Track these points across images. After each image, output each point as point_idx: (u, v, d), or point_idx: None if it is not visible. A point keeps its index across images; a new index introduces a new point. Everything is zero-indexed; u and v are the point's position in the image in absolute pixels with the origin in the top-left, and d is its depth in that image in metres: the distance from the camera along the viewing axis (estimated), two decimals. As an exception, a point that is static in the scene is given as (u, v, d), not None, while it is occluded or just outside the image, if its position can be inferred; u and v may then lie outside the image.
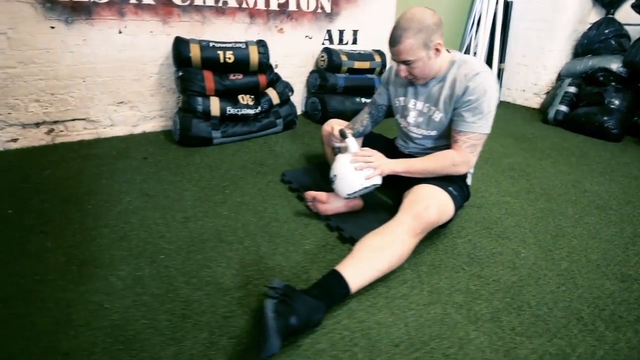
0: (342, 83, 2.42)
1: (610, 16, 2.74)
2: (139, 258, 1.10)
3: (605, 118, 2.41)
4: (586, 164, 2.03)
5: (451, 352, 0.84)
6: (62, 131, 1.93)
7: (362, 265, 0.96)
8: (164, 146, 1.97)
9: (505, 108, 3.24)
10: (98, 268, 1.05)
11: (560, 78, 3.01)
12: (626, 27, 2.69)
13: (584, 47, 2.86)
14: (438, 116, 1.23)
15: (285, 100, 2.23)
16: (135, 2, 1.84)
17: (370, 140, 1.56)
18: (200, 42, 1.92)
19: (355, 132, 1.45)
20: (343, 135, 1.26)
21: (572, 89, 2.72)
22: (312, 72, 2.53)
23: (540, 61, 3.07)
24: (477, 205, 1.51)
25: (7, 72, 1.70)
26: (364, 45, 2.72)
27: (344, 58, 2.40)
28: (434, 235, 1.24)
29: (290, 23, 2.34)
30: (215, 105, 1.95)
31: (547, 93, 3.09)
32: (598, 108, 2.49)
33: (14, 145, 1.85)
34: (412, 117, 1.32)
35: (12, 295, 0.94)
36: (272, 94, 2.15)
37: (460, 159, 1.18)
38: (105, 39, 1.84)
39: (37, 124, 1.86)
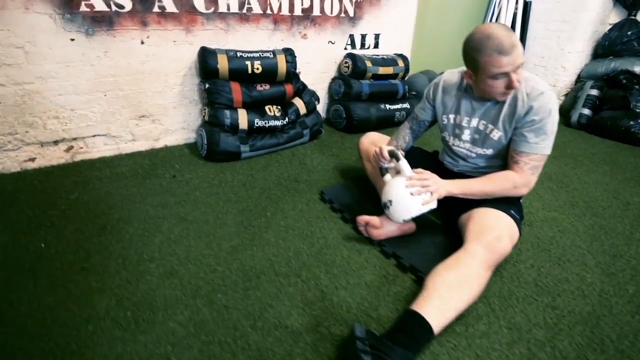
0: (367, 90, 2.35)
1: (633, 17, 2.71)
2: (195, 298, 1.03)
3: (631, 123, 2.39)
4: (620, 172, 2.00)
5: (548, 399, 0.80)
6: (81, 148, 1.83)
7: (442, 305, 0.90)
8: (190, 162, 1.88)
9: (523, 110, 3.20)
10: (153, 312, 0.98)
11: (580, 80, 2.97)
12: (649, 29, 2.66)
13: (605, 48, 2.82)
14: (497, 135, 1.17)
15: (311, 109, 2.15)
16: (159, 10, 1.74)
17: (411, 155, 1.50)
18: (227, 52, 1.82)
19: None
20: (395, 156, 1.19)
21: (595, 92, 2.69)
22: (335, 79, 2.45)
23: (559, 62, 3.03)
24: (527, 223, 1.47)
25: (24, 89, 1.60)
26: (386, 49, 2.64)
27: (368, 64, 2.32)
28: (495, 261, 1.20)
29: (313, 28, 2.25)
30: (243, 118, 1.86)
31: (566, 95, 3.06)
32: (623, 112, 2.47)
33: (31, 165, 1.74)
34: (466, 135, 1.26)
35: (67, 351, 0.87)
36: (299, 104, 2.08)
37: (522, 180, 1.13)
38: (128, 50, 1.74)
39: (56, 142, 1.76)
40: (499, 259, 1.02)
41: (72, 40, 1.61)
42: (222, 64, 1.79)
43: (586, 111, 2.66)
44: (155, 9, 1.73)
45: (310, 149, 2.12)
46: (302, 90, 2.12)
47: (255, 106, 1.93)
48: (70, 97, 1.70)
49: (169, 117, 2.00)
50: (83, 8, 1.58)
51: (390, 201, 1.14)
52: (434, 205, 1.12)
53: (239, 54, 1.83)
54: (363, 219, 1.27)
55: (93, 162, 1.84)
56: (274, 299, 1.04)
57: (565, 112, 2.90)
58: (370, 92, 2.36)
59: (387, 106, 2.43)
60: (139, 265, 1.15)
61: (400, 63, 2.49)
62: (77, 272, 1.11)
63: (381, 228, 1.27)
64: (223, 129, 1.84)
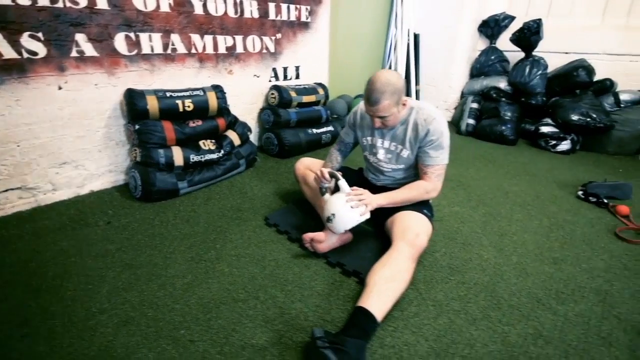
0: (295, 117, 2.56)
1: (493, 45, 3.46)
2: (157, 340, 1.05)
3: (502, 128, 3.04)
4: (499, 168, 2.53)
5: (466, 353, 1.04)
6: (-10, 205, 1.65)
7: (382, 297, 1.10)
8: (124, 205, 1.83)
9: (426, 123, 3.77)
10: (117, 361, 0.98)
11: (463, 95, 3.65)
12: (505, 53, 3.43)
13: (477, 70, 3.54)
14: (405, 153, 1.46)
15: (245, 140, 2.27)
16: (77, 55, 1.70)
17: (342, 174, 1.73)
18: (155, 92, 1.85)
19: (334, 170, 1.61)
20: (335, 177, 1.40)
21: (475, 105, 3.34)
22: (264, 109, 2.61)
23: (446, 82, 3.68)
24: (437, 219, 1.79)
25: None
26: (306, 79, 2.91)
27: (293, 94, 2.54)
28: (418, 254, 1.46)
29: (238, 64, 2.39)
30: (178, 155, 1.89)
31: (455, 108, 3.71)
32: (496, 120, 3.12)
33: None
34: (381, 154, 1.53)
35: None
36: (233, 136, 2.18)
37: (431, 186, 1.43)
38: (43, 97, 1.65)
39: (-44, 202, 1.56)
40: (420, 252, 1.28)
41: (-25, 91, 1.49)
42: (152, 104, 1.81)
43: (471, 121, 3.29)
44: (74, 54, 1.69)
45: (248, 177, 2.23)
46: (234, 122, 2.23)
47: (189, 142, 1.98)
48: (-26, 151, 1.55)
49: (93, 161, 1.91)
50: (-13, 57, 1.48)
51: (333, 214, 1.34)
52: (368, 215, 1.35)
53: (168, 94, 1.88)
54: (308, 236, 1.43)
55: (8, 219, 1.66)
56: (237, 324, 1.12)
57: (456, 122, 3.52)
58: (298, 119, 2.58)
59: (314, 130, 2.68)
60: (89, 320, 1.12)
61: (321, 91, 2.77)
62: (18, 339, 1.04)
63: (325, 242, 1.45)
64: (158, 168, 1.85)
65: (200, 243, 1.54)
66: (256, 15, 2.36)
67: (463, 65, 3.60)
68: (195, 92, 1.97)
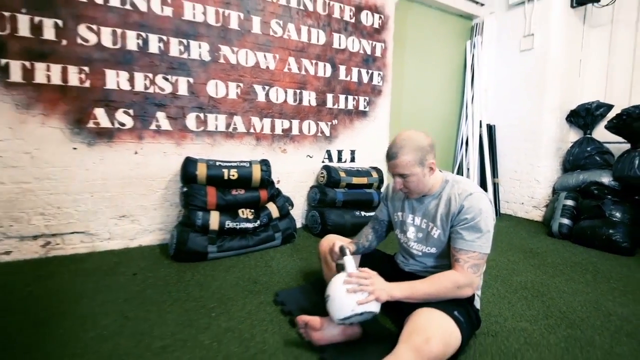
0: (341, 197, 2.50)
1: (589, 136, 2.99)
2: (92, 405, 0.92)
3: (611, 231, 2.36)
4: (604, 281, 1.88)
5: None
6: (58, 244, 1.92)
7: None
8: (157, 261, 1.91)
9: (507, 220, 3.23)
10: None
11: (555, 191, 3.09)
12: (607, 145, 2.89)
13: (571, 163, 3.03)
14: (436, 233, 1.22)
15: (285, 214, 2.27)
16: (155, 128, 2.08)
17: (371, 258, 1.50)
18: (207, 161, 2.08)
19: (360, 248, 1.43)
20: (342, 252, 1.22)
21: (570, 202, 2.76)
22: (312, 187, 2.64)
23: (532, 176, 3.21)
24: (491, 334, 1.33)
25: (20, 187, 1.81)
26: (362, 162, 2.92)
27: (342, 174, 2.54)
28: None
29: (292, 144, 2.57)
30: (214, 219, 1.97)
31: (547, 206, 3.13)
32: (601, 221, 2.47)
33: (5, 258, 1.81)
34: (411, 232, 1.31)
35: None
36: (272, 208, 2.20)
37: (464, 280, 1.10)
38: (121, 158, 2.02)
39: (35, 237, 1.87)
40: (428, 364, 0.92)
41: (75, 149, 1.90)
42: (201, 170, 2.01)
43: (565, 220, 2.68)
44: (152, 127, 2.08)
45: (280, 252, 2.14)
46: (276, 195, 2.28)
47: (229, 209, 2.06)
48: (60, 196, 1.89)
49: (148, 218, 2.13)
50: (90, 124, 1.92)
51: (328, 296, 1.12)
52: (372, 308, 1.07)
53: (217, 163, 2.08)
54: (302, 319, 1.20)
55: (65, 258, 1.89)
56: (179, 411, 0.91)
57: (546, 222, 2.91)
58: (345, 199, 2.51)
59: (363, 213, 2.53)
60: (52, 365, 1.07)
61: (374, 174, 2.71)
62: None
63: (322, 330, 1.19)
64: (194, 229, 1.94)
65: (199, 308, 1.43)
66: (314, 103, 2.61)
67: (550, 157, 3.14)
68: (242, 164, 2.14)
